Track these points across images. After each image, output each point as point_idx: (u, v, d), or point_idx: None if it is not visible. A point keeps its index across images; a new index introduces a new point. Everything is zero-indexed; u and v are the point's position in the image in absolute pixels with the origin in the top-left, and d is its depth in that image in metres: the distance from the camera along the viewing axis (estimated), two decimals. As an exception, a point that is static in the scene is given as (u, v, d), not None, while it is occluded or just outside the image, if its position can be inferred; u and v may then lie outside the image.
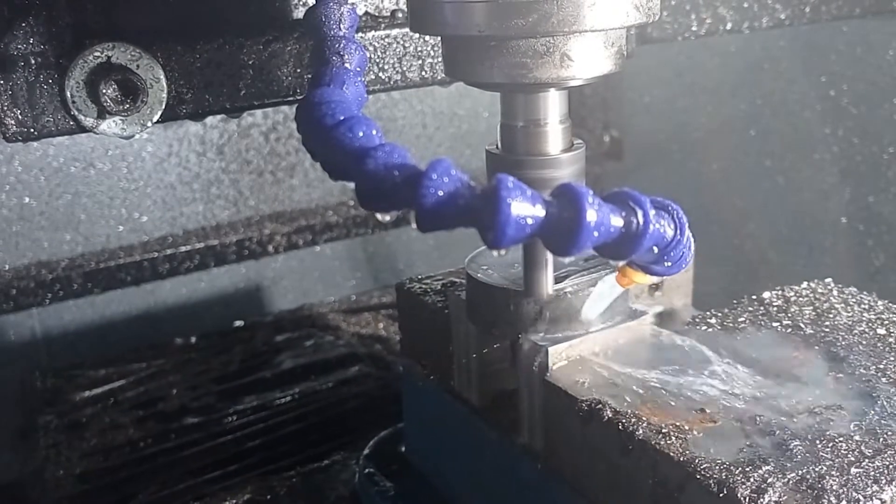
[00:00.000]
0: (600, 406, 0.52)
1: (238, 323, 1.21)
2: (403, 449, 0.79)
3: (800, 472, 0.45)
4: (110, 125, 0.57)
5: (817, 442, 0.47)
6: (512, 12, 0.49)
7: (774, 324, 0.61)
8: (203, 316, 1.28)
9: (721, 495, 0.44)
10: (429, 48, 0.70)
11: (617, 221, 0.43)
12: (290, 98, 0.65)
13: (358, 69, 0.55)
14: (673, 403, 0.52)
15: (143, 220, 1.21)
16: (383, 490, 0.74)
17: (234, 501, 0.80)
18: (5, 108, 0.57)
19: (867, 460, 0.45)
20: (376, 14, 0.69)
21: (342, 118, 0.46)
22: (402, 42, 0.69)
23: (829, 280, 0.67)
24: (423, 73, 0.70)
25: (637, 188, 0.45)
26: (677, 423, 0.49)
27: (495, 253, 0.42)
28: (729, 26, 0.86)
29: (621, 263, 0.54)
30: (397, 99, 1.35)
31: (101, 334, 1.22)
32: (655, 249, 0.47)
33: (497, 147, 0.58)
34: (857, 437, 0.47)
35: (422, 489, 0.73)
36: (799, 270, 1.22)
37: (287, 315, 1.23)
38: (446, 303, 0.66)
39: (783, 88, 1.21)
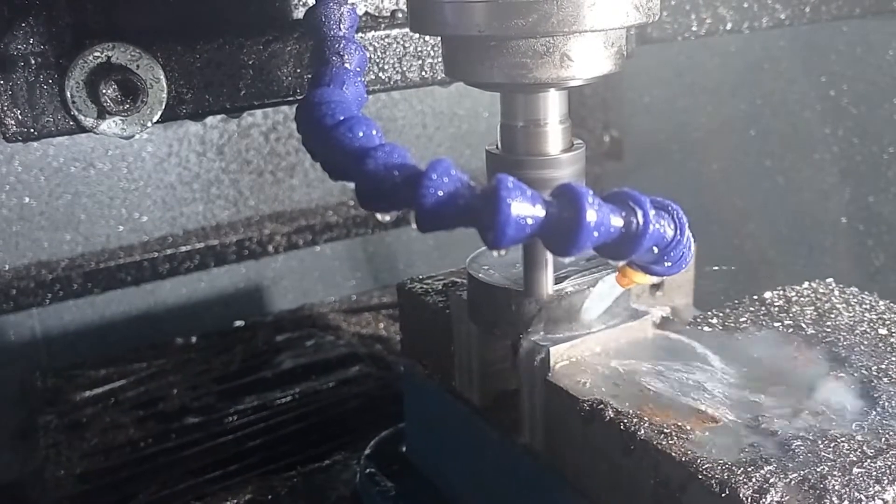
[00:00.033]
0: (602, 406, 0.52)
1: (238, 323, 1.21)
2: (404, 449, 0.79)
3: (802, 472, 0.45)
4: (110, 125, 0.57)
5: (819, 442, 0.47)
6: (512, 12, 0.49)
7: (776, 324, 0.61)
8: (203, 316, 1.28)
9: (723, 495, 0.44)
10: (429, 48, 0.70)
11: (617, 221, 0.43)
12: (290, 98, 0.65)
13: (358, 69, 0.55)
14: (675, 403, 0.52)
15: (143, 220, 1.21)
16: (384, 490, 0.74)
17: (235, 501, 0.80)
18: (5, 108, 0.57)
19: (869, 460, 0.45)
20: (376, 14, 0.69)
21: (342, 118, 0.46)
22: (402, 42, 0.69)
23: (830, 280, 0.67)
24: (423, 73, 0.70)
25: (637, 188, 0.44)
26: (679, 423, 0.49)
27: (495, 253, 0.42)
28: (729, 26, 0.86)
29: (621, 263, 0.54)
30: (397, 99, 1.35)
31: (101, 334, 1.22)
32: (655, 249, 0.47)
33: (497, 147, 0.58)
34: (858, 437, 0.47)
35: (423, 489, 0.73)
36: (799, 270, 1.22)
37: (287, 315, 1.23)
38: (447, 303, 0.66)
39: (783, 88, 1.21)
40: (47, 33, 0.57)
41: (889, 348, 0.57)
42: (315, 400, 1.00)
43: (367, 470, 0.77)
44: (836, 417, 0.50)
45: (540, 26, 0.49)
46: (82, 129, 0.57)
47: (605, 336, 0.58)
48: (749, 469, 0.45)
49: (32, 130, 0.58)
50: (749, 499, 0.43)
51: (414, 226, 0.41)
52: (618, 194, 0.44)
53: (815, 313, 0.62)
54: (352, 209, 1.31)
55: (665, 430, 0.49)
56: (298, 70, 0.65)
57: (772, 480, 0.44)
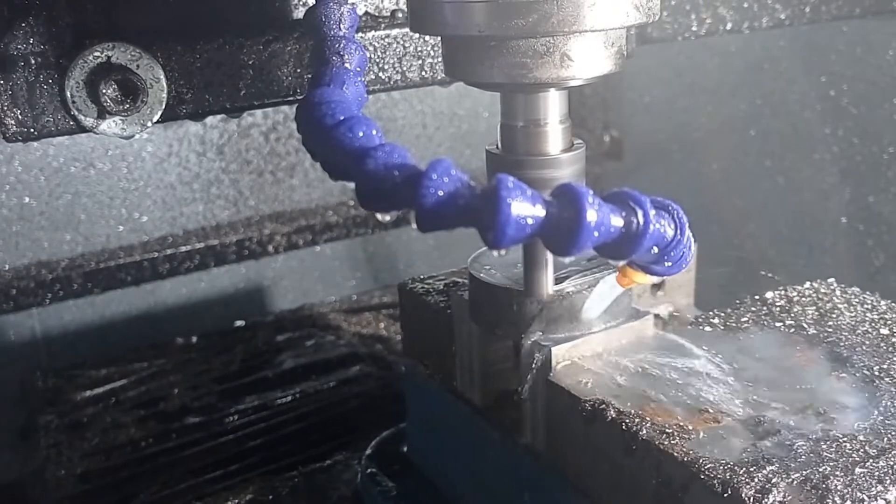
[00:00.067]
0: (604, 406, 0.52)
1: (239, 323, 1.21)
2: (405, 449, 0.79)
3: (804, 472, 0.45)
4: (110, 125, 0.57)
5: (821, 442, 0.47)
6: (512, 12, 0.49)
7: (777, 324, 0.61)
8: (203, 316, 1.28)
9: (725, 495, 0.44)
10: (429, 48, 0.70)
11: (617, 221, 0.43)
12: (290, 98, 0.65)
13: (358, 69, 0.55)
14: (676, 403, 0.52)
15: (143, 220, 1.21)
16: (385, 490, 0.74)
17: (237, 501, 0.80)
18: (5, 108, 0.57)
19: (871, 460, 0.45)
20: (376, 14, 0.69)
21: (342, 118, 0.46)
22: (402, 42, 0.69)
23: (831, 280, 0.67)
24: (423, 73, 0.70)
25: (637, 188, 0.45)
26: (681, 423, 0.49)
27: (496, 253, 0.42)
28: (729, 26, 0.86)
29: (621, 263, 0.54)
30: (397, 99, 1.35)
31: (101, 334, 1.22)
32: (656, 249, 0.47)
33: (497, 147, 0.58)
34: (861, 437, 0.47)
35: (424, 489, 0.73)
36: (799, 270, 1.22)
37: (288, 315, 1.23)
38: (449, 303, 0.66)
39: (783, 88, 1.21)
40: (47, 33, 0.57)
41: (891, 348, 0.57)
42: (315, 400, 1.00)
43: (369, 470, 0.77)
44: (838, 417, 0.50)
45: (540, 26, 0.49)
46: (82, 129, 0.57)
47: (606, 336, 0.58)
48: (751, 469, 0.45)
49: (32, 130, 0.58)
50: (751, 499, 0.43)
51: (414, 226, 0.41)
52: (618, 194, 0.44)
53: (816, 313, 0.62)
54: (352, 209, 1.31)
55: (667, 430, 0.49)
56: (298, 70, 0.65)
57: (774, 480, 0.44)
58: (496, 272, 0.61)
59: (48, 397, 1.05)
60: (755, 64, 1.23)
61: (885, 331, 0.59)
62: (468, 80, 0.56)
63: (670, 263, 0.49)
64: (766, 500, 0.43)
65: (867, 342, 0.58)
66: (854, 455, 0.46)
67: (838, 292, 0.65)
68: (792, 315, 0.62)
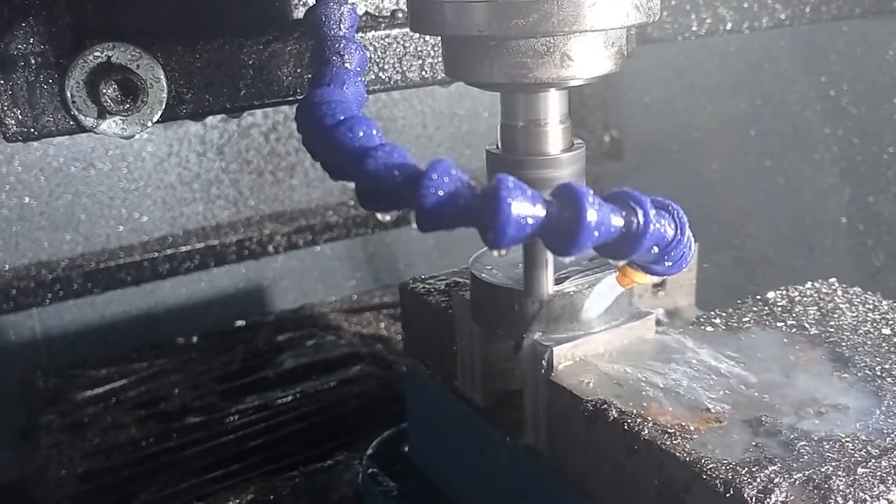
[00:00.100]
0: (606, 406, 0.51)
1: (240, 322, 1.21)
2: (407, 449, 0.79)
3: (806, 472, 0.45)
4: (110, 125, 0.57)
5: (824, 442, 0.47)
6: (512, 12, 0.49)
7: (779, 324, 0.61)
8: (203, 316, 1.28)
9: (727, 495, 0.44)
10: (429, 48, 0.70)
11: (617, 221, 0.43)
12: (290, 98, 0.65)
13: (358, 69, 0.55)
14: (678, 403, 0.52)
15: (143, 220, 1.21)
16: (387, 490, 0.74)
17: (238, 501, 0.80)
18: (5, 108, 0.57)
19: (874, 460, 0.45)
20: (376, 14, 0.69)
21: (342, 118, 0.46)
22: (402, 42, 0.69)
23: (833, 280, 0.67)
24: (423, 73, 0.70)
25: (637, 188, 0.45)
26: (683, 423, 0.49)
27: (496, 253, 0.42)
28: (729, 26, 0.86)
29: (622, 263, 0.54)
30: (397, 99, 1.35)
31: (101, 334, 1.22)
32: (656, 249, 0.47)
33: (497, 147, 0.58)
34: (863, 437, 0.47)
35: (425, 489, 0.73)
36: (799, 270, 1.22)
37: (289, 315, 1.23)
38: (450, 303, 0.66)
39: (783, 88, 1.21)
40: (47, 33, 0.57)
41: (893, 348, 0.57)
42: (316, 400, 1.00)
43: (370, 470, 0.77)
44: (840, 417, 0.50)
45: (540, 26, 0.49)
46: (82, 129, 0.57)
47: (608, 336, 0.58)
48: (753, 469, 0.45)
49: (32, 130, 0.58)
50: (753, 499, 0.43)
51: (414, 226, 0.41)
52: (618, 194, 0.44)
53: (818, 313, 0.62)
54: (352, 209, 1.31)
55: (669, 430, 0.49)
56: (298, 70, 0.65)
57: (776, 480, 0.44)
58: (498, 272, 0.61)
59: (49, 397, 1.05)
60: (755, 64, 1.23)
61: (886, 331, 0.59)
62: (468, 80, 0.56)
63: (670, 263, 0.49)
64: (768, 500, 0.43)
65: (869, 342, 0.58)
66: (856, 455, 0.46)
67: (840, 292, 0.65)
68: (793, 315, 0.62)
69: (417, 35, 0.69)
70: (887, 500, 0.43)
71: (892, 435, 0.47)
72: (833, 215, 1.18)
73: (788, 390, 0.53)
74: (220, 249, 1.22)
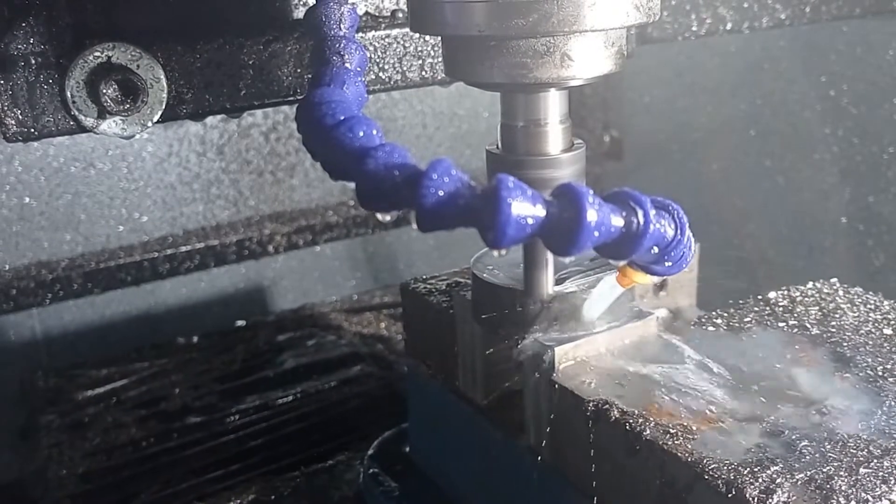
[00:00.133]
0: (607, 406, 0.51)
1: (240, 322, 1.21)
2: (408, 449, 0.79)
3: (808, 472, 0.45)
4: (110, 125, 0.57)
5: (825, 442, 0.47)
6: (512, 12, 0.49)
7: (780, 324, 0.61)
8: (203, 316, 1.28)
9: (729, 496, 0.44)
10: (429, 48, 0.70)
11: (617, 221, 0.43)
12: (290, 98, 0.65)
13: (358, 69, 0.55)
14: (680, 403, 0.52)
15: (143, 220, 1.21)
16: (388, 490, 0.74)
17: (239, 502, 0.80)
18: (5, 108, 0.57)
19: (876, 460, 0.45)
20: (376, 14, 0.69)
21: (342, 118, 0.46)
22: (402, 42, 0.69)
23: (834, 280, 0.67)
24: (423, 73, 0.70)
25: (637, 188, 0.45)
26: (685, 424, 0.49)
27: (496, 253, 0.42)
28: (729, 26, 0.86)
29: (622, 263, 0.54)
30: (397, 99, 1.35)
31: (101, 334, 1.22)
32: (656, 249, 0.47)
33: (497, 147, 0.58)
34: (865, 437, 0.47)
35: (426, 489, 0.73)
36: (799, 270, 1.22)
37: (289, 314, 1.23)
38: (451, 303, 0.66)
39: (783, 88, 1.21)
40: (47, 33, 0.57)
41: (894, 348, 0.57)
42: (316, 400, 1.00)
43: (371, 470, 0.77)
44: (841, 418, 0.50)
45: (540, 26, 0.49)
46: (82, 129, 0.57)
47: (609, 336, 0.58)
48: (755, 469, 0.45)
49: (32, 130, 0.58)
50: (755, 499, 0.43)
51: (414, 226, 0.41)
52: (618, 194, 0.44)
53: (819, 313, 0.62)
54: (352, 209, 1.31)
55: (671, 431, 0.49)
56: (298, 70, 0.65)
57: (778, 481, 0.44)
58: (499, 272, 0.61)
59: (49, 397, 1.05)
60: (755, 64, 1.23)
61: (888, 331, 0.59)
62: (468, 80, 0.56)
63: (670, 263, 0.49)
64: (770, 500, 0.43)
65: (870, 342, 0.58)
66: (858, 455, 0.46)
67: (841, 292, 0.65)
68: (795, 315, 0.62)
69: (417, 35, 0.69)
70: (889, 500, 0.43)
71: (894, 435, 0.47)
72: (833, 215, 1.18)
73: (790, 390, 0.53)
74: (220, 249, 1.22)
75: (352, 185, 0.43)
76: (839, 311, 0.62)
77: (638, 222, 0.44)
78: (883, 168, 1.11)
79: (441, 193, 0.40)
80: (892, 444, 0.47)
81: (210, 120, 1.21)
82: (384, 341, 1.12)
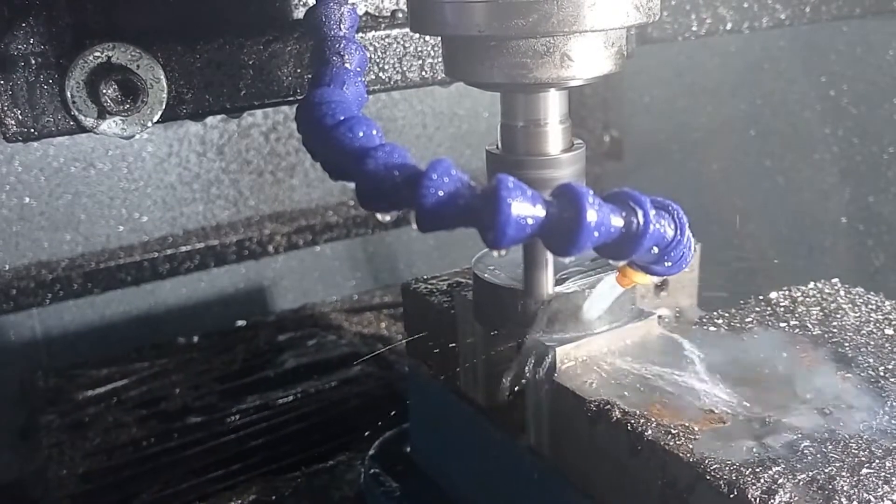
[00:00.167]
0: (609, 406, 0.51)
1: (240, 322, 1.21)
2: (409, 449, 0.79)
3: (810, 472, 0.45)
4: (110, 125, 0.57)
5: (827, 443, 0.47)
6: (512, 12, 0.49)
7: (782, 324, 0.61)
8: (203, 316, 1.28)
9: (731, 496, 0.44)
10: (429, 48, 0.70)
11: (617, 221, 0.43)
12: (290, 98, 0.65)
13: (358, 69, 0.55)
14: (682, 404, 0.52)
15: (143, 220, 1.21)
16: (389, 490, 0.74)
17: (240, 502, 0.80)
18: (5, 108, 0.57)
19: (877, 461, 0.45)
20: (376, 14, 0.69)
21: (342, 118, 0.46)
22: (402, 42, 0.69)
23: (836, 280, 0.67)
24: (423, 73, 0.70)
25: (637, 188, 0.45)
26: (686, 424, 0.49)
27: (495, 253, 0.42)
28: (729, 26, 0.86)
29: (622, 263, 0.54)
30: (397, 99, 1.35)
31: (101, 334, 1.22)
32: (656, 249, 0.47)
33: (497, 147, 0.58)
34: (866, 438, 0.47)
35: (427, 490, 0.73)
36: (799, 270, 1.22)
37: (289, 314, 1.23)
38: (452, 303, 0.66)
39: (783, 88, 1.21)
40: (47, 33, 0.57)
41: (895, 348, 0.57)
42: (317, 400, 1.00)
43: (372, 470, 0.77)
44: (843, 418, 0.50)
45: (540, 26, 0.49)
46: (82, 129, 0.57)
47: (611, 336, 0.58)
48: (757, 469, 0.45)
49: (32, 130, 0.58)
50: (757, 499, 0.43)
51: (414, 226, 0.41)
52: (618, 194, 0.44)
53: (821, 314, 0.62)
54: (352, 209, 1.31)
55: (672, 431, 0.49)
56: (298, 70, 0.65)
57: (780, 481, 0.44)
58: (500, 272, 0.61)
59: (50, 397, 1.05)
60: (755, 64, 1.23)
61: (889, 331, 0.59)
62: (468, 80, 0.56)
63: (670, 263, 0.49)
64: (772, 500, 0.43)
65: (872, 342, 0.58)
66: (860, 456, 0.46)
67: (842, 292, 0.65)
68: (796, 315, 0.62)
69: (417, 35, 0.69)
70: (891, 500, 0.43)
71: None
72: (833, 215, 1.18)
73: (791, 391, 0.53)
74: (220, 249, 1.22)
75: (352, 185, 0.43)
76: (840, 312, 0.62)
77: (638, 222, 0.44)
78: (883, 168, 1.11)
79: (441, 193, 0.40)
80: (894, 445, 0.47)
81: (210, 120, 1.21)
82: (384, 341, 1.12)
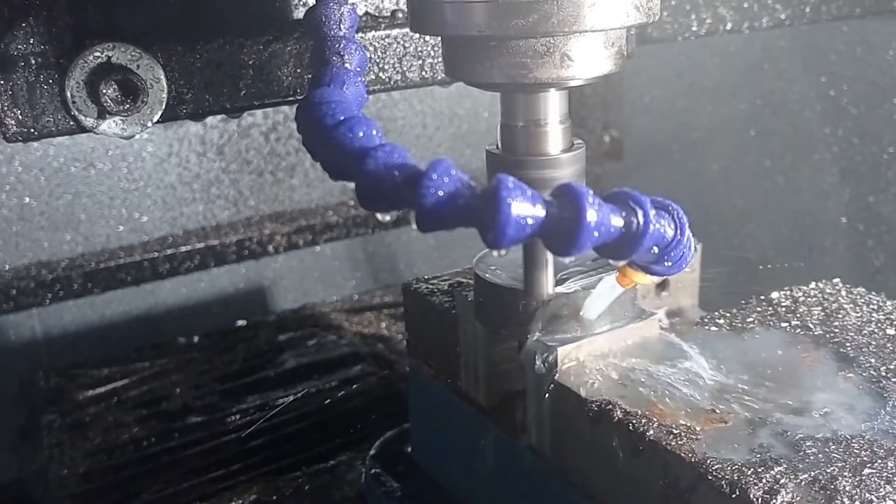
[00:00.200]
0: (610, 407, 0.51)
1: (241, 322, 1.21)
2: (409, 449, 0.79)
3: (812, 472, 0.45)
4: (110, 125, 0.57)
5: (829, 443, 0.47)
6: (512, 12, 0.49)
7: (783, 324, 0.61)
8: (203, 316, 1.28)
9: (733, 496, 0.44)
10: (429, 48, 0.70)
11: (617, 221, 0.43)
12: (290, 98, 0.65)
13: (358, 69, 0.55)
14: (683, 404, 0.52)
15: (144, 220, 1.21)
16: (390, 490, 0.74)
17: (240, 502, 0.80)
18: (5, 108, 0.57)
19: (880, 461, 0.45)
20: (376, 14, 0.69)
21: (342, 118, 0.46)
22: (402, 42, 0.69)
23: (837, 280, 0.66)
24: (423, 73, 0.70)
25: (637, 188, 0.45)
26: (688, 424, 0.49)
27: (495, 253, 0.42)
28: (729, 26, 0.86)
29: (622, 263, 0.54)
30: (397, 99, 1.35)
31: (102, 335, 1.22)
32: (656, 249, 0.47)
33: (497, 147, 0.58)
34: (868, 438, 0.47)
35: (428, 490, 0.73)
36: (799, 270, 1.22)
37: (290, 314, 1.23)
38: (453, 303, 0.66)
39: (783, 88, 1.21)
40: (47, 33, 0.57)
41: (896, 348, 0.57)
42: (317, 399, 1.00)
43: (373, 470, 0.77)
44: (845, 418, 0.50)
45: (540, 26, 0.49)
46: (82, 129, 0.57)
47: (612, 336, 0.58)
48: (759, 470, 0.45)
49: (32, 130, 0.58)
50: (759, 500, 0.43)
51: (414, 226, 0.41)
52: (618, 194, 0.44)
53: (822, 313, 0.62)
54: (352, 209, 1.31)
55: (674, 431, 0.49)
56: (298, 70, 0.65)
57: (782, 481, 0.44)
58: (502, 272, 0.61)
59: (50, 397, 1.05)
60: (755, 64, 1.23)
61: (891, 331, 0.59)
62: (468, 81, 0.56)
63: (670, 263, 0.49)
64: (774, 500, 0.43)
65: (873, 342, 0.58)
66: (862, 456, 0.46)
67: (844, 292, 0.65)
68: (797, 315, 0.62)
69: (417, 35, 0.69)
70: (893, 500, 0.43)
71: (897, 435, 0.47)
72: (833, 215, 1.18)
73: (793, 391, 0.53)
74: (220, 249, 1.22)
75: (352, 185, 0.43)
76: (842, 312, 0.62)
77: (638, 222, 0.44)
78: (883, 168, 1.11)
79: (441, 193, 0.40)
80: None
81: (210, 120, 1.21)
82: (385, 341, 1.12)
